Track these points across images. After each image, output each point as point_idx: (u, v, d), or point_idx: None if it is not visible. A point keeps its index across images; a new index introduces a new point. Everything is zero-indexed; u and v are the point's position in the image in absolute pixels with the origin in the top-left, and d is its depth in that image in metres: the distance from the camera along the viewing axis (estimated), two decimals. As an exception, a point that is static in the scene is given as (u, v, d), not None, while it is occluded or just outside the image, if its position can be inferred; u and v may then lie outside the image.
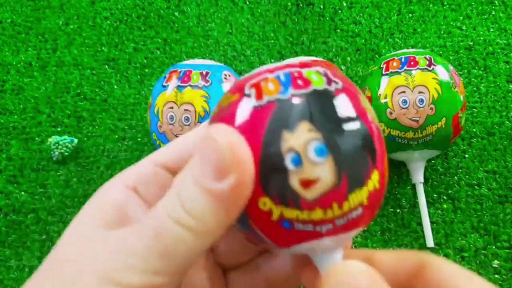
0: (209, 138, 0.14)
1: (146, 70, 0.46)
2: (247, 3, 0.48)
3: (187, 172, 0.15)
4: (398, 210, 0.39)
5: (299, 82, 0.16)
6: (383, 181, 0.16)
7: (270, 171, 0.14)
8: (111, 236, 0.15)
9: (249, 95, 0.15)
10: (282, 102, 0.15)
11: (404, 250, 0.19)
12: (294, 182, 0.14)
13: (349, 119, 0.15)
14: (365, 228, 0.38)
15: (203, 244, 0.14)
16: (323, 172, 0.15)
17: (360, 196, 0.15)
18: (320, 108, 0.15)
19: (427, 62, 0.34)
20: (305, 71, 0.16)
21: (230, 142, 0.14)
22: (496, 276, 0.36)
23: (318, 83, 0.16)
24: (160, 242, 0.14)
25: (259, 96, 0.15)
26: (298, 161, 0.14)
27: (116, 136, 0.43)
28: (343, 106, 0.15)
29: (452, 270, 0.16)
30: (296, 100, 0.15)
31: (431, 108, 0.33)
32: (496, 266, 0.36)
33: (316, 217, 0.15)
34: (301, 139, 0.15)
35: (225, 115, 0.16)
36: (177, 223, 0.14)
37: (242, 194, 0.14)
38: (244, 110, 0.15)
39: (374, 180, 0.15)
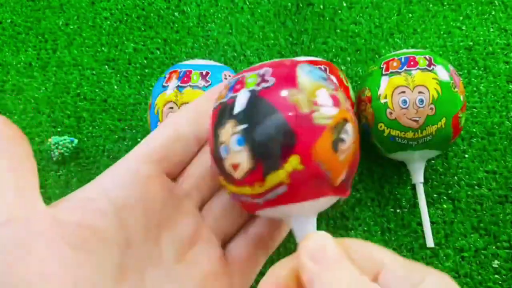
0: None
1: (146, 70, 0.46)
2: (247, 3, 0.48)
3: None
4: (398, 210, 0.39)
5: (238, 86, 0.20)
6: (308, 161, 0.18)
7: (216, 158, 0.20)
8: None
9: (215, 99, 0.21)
10: (223, 104, 0.20)
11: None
12: (228, 166, 0.19)
13: (267, 113, 0.18)
14: (365, 228, 0.38)
15: None
16: (242, 158, 0.19)
17: (277, 177, 0.18)
18: (246, 106, 0.19)
19: (427, 62, 0.34)
20: (247, 75, 0.20)
21: None
22: (496, 276, 0.36)
23: (250, 84, 0.19)
24: None
25: (216, 100, 0.21)
26: (226, 151, 0.19)
27: (116, 136, 0.43)
28: (264, 103, 0.19)
29: (371, 247, 0.18)
30: (230, 102, 0.19)
31: (431, 108, 0.33)
32: (496, 266, 0.36)
33: (247, 192, 0.19)
34: (228, 133, 0.19)
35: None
36: None
37: None
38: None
39: (293, 163, 0.18)
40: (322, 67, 0.36)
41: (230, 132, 0.19)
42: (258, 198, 0.19)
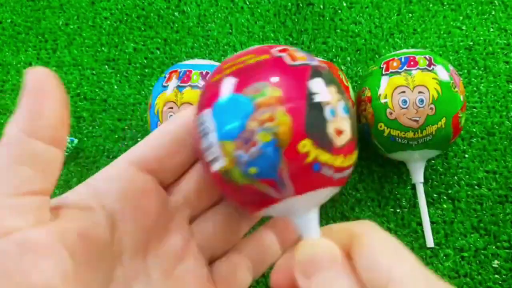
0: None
1: (146, 70, 0.46)
2: (247, 3, 0.48)
3: None
4: (398, 210, 0.39)
5: (307, 55, 0.19)
6: None
7: (314, 118, 0.17)
8: None
9: (282, 56, 0.18)
10: (314, 66, 0.18)
11: (344, 224, 0.19)
12: (331, 129, 0.17)
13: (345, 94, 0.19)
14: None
15: None
16: (347, 126, 0.18)
17: (356, 155, 0.19)
18: (334, 80, 0.19)
19: (427, 62, 0.34)
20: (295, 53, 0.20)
21: None
22: (496, 276, 0.36)
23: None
24: None
25: (293, 58, 0.18)
26: (333, 113, 0.18)
27: (116, 136, 0.43)
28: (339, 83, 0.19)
29: (379, 250, 0.16)
30: (321, 69, 0.19)
31: (431, 108, 0.33)
32: (496, 266, 0.36)
33: (337, 163, 0.18)
34: (335, 97, 0.18)
35: (264, 70, 0.18)
36: None
37: None
38: (284, 67, 0.18)
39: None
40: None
41: (336, 98, 0.18)
42: (339, 172, 0.18)
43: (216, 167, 0.18)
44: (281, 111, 0.17)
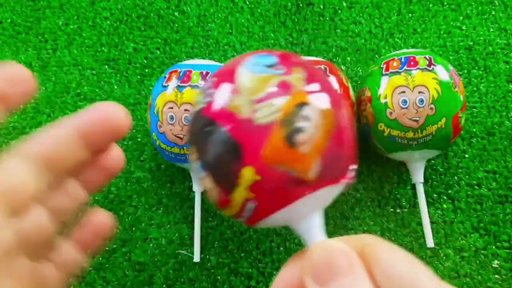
0: None
1: (146, 70, 0.46)
2: (247, 3, 0.48)
3: None
4: (398, 210, 0.39)
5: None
6: (263, 169, 0.16)
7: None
8: None
9: None
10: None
11: (350, 237, 0.18)
12: (207, 192, 0.19)
13: (209, 132, 0.17)
14: (365, 228, 0.38)
15: None
16: (208, 184, 0.17)
17: (239, 195, 0.17)
18: (193, 128, 0.18)
19: (427, 62, 0.34)
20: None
21: None
22: (496, 276, 0.36)
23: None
24: None
25: None
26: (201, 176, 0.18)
27: (116, 136, 0.43)
28: (205, 121, 0.17)
29: (399, 260, 0.16)
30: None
31: (431, 108, 0.33)
32: (496, 266, 0.36)
33: (228, 214, 0.18)
34: (194, 160, 0.18)
35: None
36: None
37: None
38: None
39: (247, 176, 0.16)
40: (322, 67, 0.36)
41: (194, 158, 0.18)
42: (239, 218, 0.17)
43: None
44: None
